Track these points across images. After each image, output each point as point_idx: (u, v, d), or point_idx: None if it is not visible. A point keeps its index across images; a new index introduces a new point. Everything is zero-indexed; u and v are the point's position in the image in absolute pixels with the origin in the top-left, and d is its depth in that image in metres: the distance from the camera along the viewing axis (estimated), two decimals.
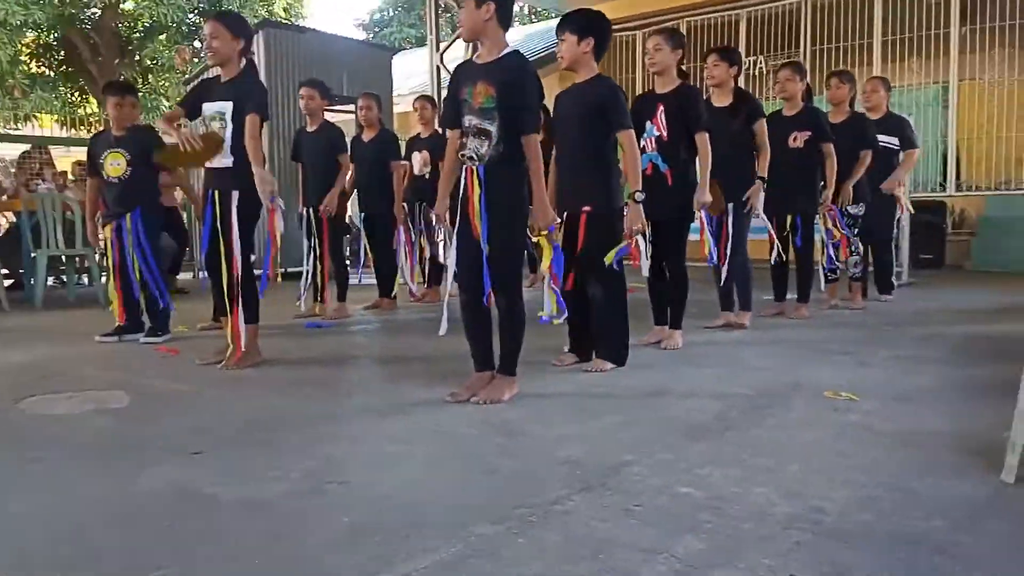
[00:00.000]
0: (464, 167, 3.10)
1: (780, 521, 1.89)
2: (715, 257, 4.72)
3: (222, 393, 3.47)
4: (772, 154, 4.77)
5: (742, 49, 10.79)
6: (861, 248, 5.79)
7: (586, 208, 3.60)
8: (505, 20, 3.06)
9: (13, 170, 8.70)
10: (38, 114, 16.36)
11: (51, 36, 17.13)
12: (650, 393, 3.27)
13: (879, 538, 1.80)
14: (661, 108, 4.16)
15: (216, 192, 3.94)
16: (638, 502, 2.03)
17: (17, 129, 15.72)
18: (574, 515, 1.96)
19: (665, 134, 4.14)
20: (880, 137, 5.74)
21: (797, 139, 5.19)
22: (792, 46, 10.63)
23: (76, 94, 18.53)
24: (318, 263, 5.81)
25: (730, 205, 4.69)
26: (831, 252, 5.64)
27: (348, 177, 5.86)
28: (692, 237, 4.46)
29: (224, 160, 3.89)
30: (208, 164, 3.95)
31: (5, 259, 7.90)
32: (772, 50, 10.67)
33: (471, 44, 2.73)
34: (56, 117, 16.84)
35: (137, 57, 18.19)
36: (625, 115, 3.60)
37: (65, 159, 10.70)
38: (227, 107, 3.87)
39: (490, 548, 1.77)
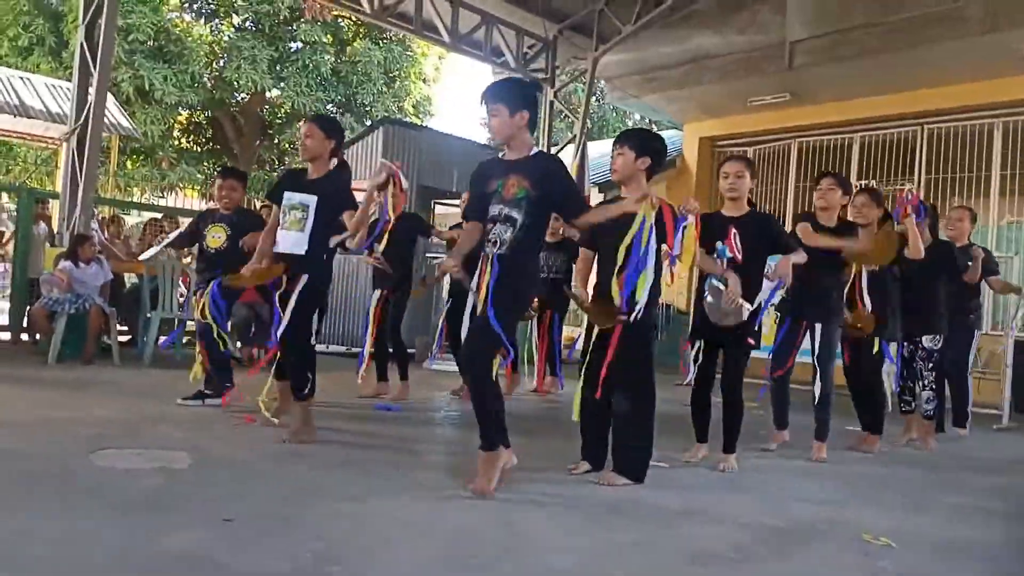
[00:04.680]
0: (482, 255, 3.40)
1: None
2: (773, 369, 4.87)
3: (274, 466, 3.65)
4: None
5: (854, 172, 10.69)
6: (935, 384, 5.43)
7: (620, 316, 3.65)
8: (532, 126, 3.50)
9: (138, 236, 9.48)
10: (182, 186, 17.80)
11: (202, 116, 18.78)
12: (677, 513, 3.24)
13: None
14: (734, 231, 4.19)
15: (285, 276, 4.22)
16: None
17: (162, 198, 17.10)
18: None
19: (739, 256, 4.15)
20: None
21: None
22: (905, 173, 10.45)
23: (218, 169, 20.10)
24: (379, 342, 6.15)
25: (818, 326, 4.68)
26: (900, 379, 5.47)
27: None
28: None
29: (298, 249, 4.17)
30: (281, 250, 4.23)
31: (125, 318, 8.53)
32: (885, 176, 10.48)
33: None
34: (198, 190, 18.24)
35: (276, 140, 19.65)
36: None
37: None
38: (312, 200, 4.17)
39: None
